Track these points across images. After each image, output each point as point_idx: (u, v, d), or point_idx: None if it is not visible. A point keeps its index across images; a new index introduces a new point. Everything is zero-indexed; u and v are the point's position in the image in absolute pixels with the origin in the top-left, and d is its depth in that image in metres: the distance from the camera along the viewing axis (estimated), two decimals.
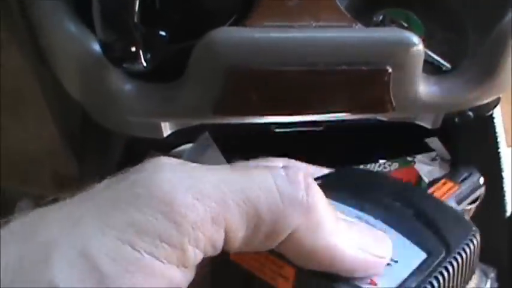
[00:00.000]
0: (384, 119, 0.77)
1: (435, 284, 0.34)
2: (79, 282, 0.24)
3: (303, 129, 0.83)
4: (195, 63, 0.56)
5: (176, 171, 0.27)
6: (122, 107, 0.59)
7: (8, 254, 0.25)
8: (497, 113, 0.99)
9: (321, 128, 0.85)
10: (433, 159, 1.20)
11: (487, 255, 1.03)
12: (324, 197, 0.31)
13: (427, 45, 0.63)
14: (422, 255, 0.36)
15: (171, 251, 0.26)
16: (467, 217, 0.51)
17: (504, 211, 1.03)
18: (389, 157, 1.24)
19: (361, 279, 0.33)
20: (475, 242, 0.41)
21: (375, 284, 0.33)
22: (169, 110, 0.59)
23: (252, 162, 0.35)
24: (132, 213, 0.26)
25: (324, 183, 0.39)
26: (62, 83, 0.61)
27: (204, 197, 0.27)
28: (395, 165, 1.23)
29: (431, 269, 0.35)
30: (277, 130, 0.84)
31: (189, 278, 0.28)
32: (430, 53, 0.66)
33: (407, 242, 0.37)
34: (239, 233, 0.28)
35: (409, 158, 1.22)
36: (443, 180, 0.54)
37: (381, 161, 1.24)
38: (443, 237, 0.38)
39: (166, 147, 1.01)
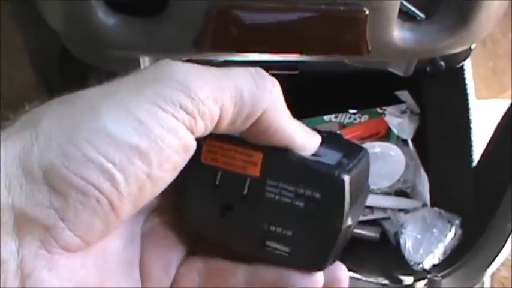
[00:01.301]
0: (359, 64, 0.79)
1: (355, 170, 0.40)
2: (124, 130, 0.31)
3: (279, 73, 0.84)
4: None
5: (185, 65, 0.34)
6: (103, 40, 0.60)
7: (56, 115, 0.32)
8: (467, 66, 1.01)
9: (296, 72, 0.87)
10: (403, 112, 1.22)
11: (452, 204, 1.07)
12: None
13: None
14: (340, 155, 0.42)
15: (187, 117, 0.33)
16: None
17: (471, 162, 1.06)
18: (360, 108, 1.26)
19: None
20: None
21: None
22: (150, 44, 0.60)
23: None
24: (159, 88, 0.33)
25: None
26: (44, 16, 0.61)
27: (208, 82, 0.34)
28: (366, 116, 1.26)
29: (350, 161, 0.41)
30: None
31: (192, 146, 0.34)
32: (405, 3, 0.68)
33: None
34: (229, 113, 0.35)
35: (379, 110, 1.25)
36: None
37: (352, 111, 1.26)
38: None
39: None
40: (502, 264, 1.80)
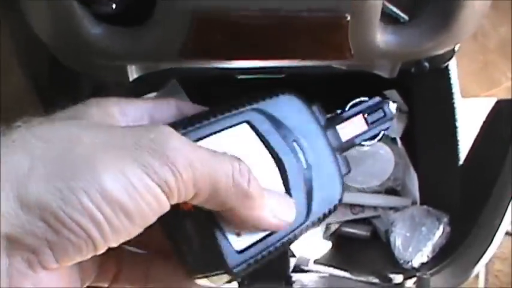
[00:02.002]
0: (343, 68, 0.80)
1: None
2: (117, 189, 0.35)
3: (265, 77, 0.85)
4: (162, 7, 0.58)
5: (180, 142, 0.38)
6: (90, 49, 0.60)
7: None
8: (452, 65, 1.02)
9: (282, 76, 0.88)
10: None
11: (440, 202, 1.09)
12: (258, 183, 0.43)
13: None
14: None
15: (169, 190, 0.37)
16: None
17: (457, 160, 1.07)
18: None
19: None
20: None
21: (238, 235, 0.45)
22: (136, 53, 0.61)
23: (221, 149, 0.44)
24: (152, 159, 0.36)
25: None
26: (31, 26, 0.62)
27: (194, 167, 0.38)
28: None
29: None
30: (240, 76, 0.86)
31: (167, 209, 0.38)
32: (388, 4, 0.69)
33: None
34: (201, 196, 0.39)
35: None
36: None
37: (339, 111, 1.27)
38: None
39: (131, 95, 1.03)
40: (497, 257, 1.82)
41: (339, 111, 0.58)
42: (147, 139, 0.37)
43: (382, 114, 0.59)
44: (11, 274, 0.34)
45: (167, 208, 0.38)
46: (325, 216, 0.51)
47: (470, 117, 1.11)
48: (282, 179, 0.47)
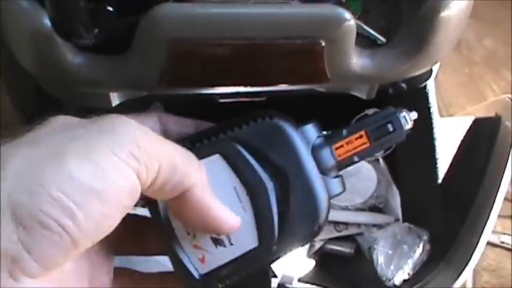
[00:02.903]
0: (322, 90, 0.81)
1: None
2: (84, 173, 0.36)
3: (246, 100, 0.86)
4: (140, 36, 0.60)
5: (135, 123, 0.41)
6: (72, 78, 0.62)
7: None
8: (430, 85, 1.04)
9: (263, 99, 0.89)
10: None
11: (420, 219, 1.10)
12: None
13: (363, 19, 0.67)
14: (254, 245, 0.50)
15: (136, 164, 0.38)
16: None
17: (436, 178, 1.08)
18: (330, 127, 1.28)
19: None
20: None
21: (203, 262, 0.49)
22: (116, 81, 0.62)
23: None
24: (114, 138, 0.38)
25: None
26: (15, 55, 0.63)
27: (152, 142, 0.40)
28: None
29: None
30: (222, 100, 0.87)
31: (138, 190, 0.40)
32: (365, 27, 0.70)
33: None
34: (163, 174, 0.41)
35: None
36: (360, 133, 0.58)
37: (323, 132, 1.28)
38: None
39: None
40: (484, 269, 1.83)
41: (341, 129, 0.59)
42: (108, 125, 0.40)
43: (391, 129, 0.57)
44: None
45: (138, 187, 0.39)
46: (306, 237, 0.52)
47: (449, 136, 1.13)
48: (252, 206, 0.49)
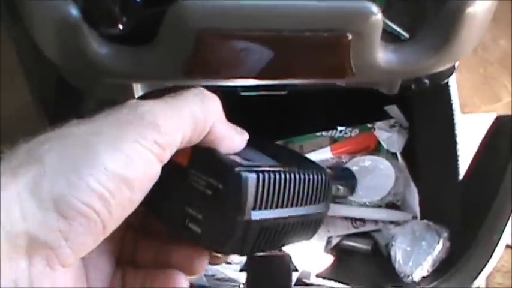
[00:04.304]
0: (343, 85, 0.81)
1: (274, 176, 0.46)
2: (117, 164, 0.38)
3: (268, 93, 0.86)
4: (167, 27, 0.60)
5: (150, 103, 0.42)
6: (97, 69, 0.62)
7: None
8: (452, 81, 1.03)
9: (284, 93, 0.89)
10: (392, 126, 1.24)
11: (440, 217, 1.09)
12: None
13: (387, 15, 0.67)
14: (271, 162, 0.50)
15: (159, 149, 0.40)
16: None
17: (457, 175, 1.07)
18: (350, 123, 1.28)
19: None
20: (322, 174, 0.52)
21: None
22: (141, 72, 0.62)
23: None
24: (136, 128, 0.40)
25: None
26: (39, 46, 0.63)
27: (170, 116, 0.42)
28: (356, 131, 1.28)
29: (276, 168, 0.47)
30: (243, 93, 0.87)
31: (158, 174, 0.41)
32: (389, 22, 0.70)
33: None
34: (187, 135, 0.43)
35: (369, 125, 1.27)
36: None
37: (341, 128, 1.28)
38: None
39: None
40: (497, 270, 1.82)
41: None
42: (125, 115, 0.41)
43: None
44: (32, 274, 0.36)
45: (159, 170, 0.41)
46: None
47: (470, 133, 1.12)
48: None
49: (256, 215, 0.44)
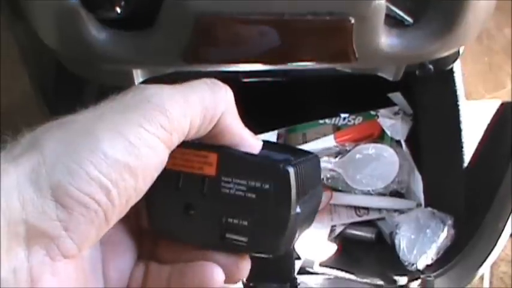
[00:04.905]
0: (347, 70, 0.80)
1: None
2: (117, 150, 0.36)
3: (269, 80, 0.85)
4: (166, 11, 0.59)
5: (157, 87, 0.40)
6: (96, 54, 0.61)
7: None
8: (456, 68, 1.02)
9: (285, 79, 0.88)
10: (396, 113, 1.24)
11: (444, 204, 1.09)
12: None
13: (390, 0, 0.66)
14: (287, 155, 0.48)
15: (165, 134, 0.38)
16: None
17: (462, 162, 1.07)
18: (353, 111, 1.27)
19: None
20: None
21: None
22: (141, 57, 0.62)
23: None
24: (141, 112, 0.38)
25: None
26: (38, 32, 0.63)
27: (178, 101, 0.40)
28: (360, 118, 1.27)
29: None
30: (245, 80, 0.86)
31: (166, 161, 0.40)
32: (393, 7, 0.69)
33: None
34: (196, 122, 0.41)
35: (372, 112, 1.26)
36: None
37: (344, 115, 1.28)
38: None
39: None
40: (502, 259, 1.82)
41: None
42: (129, 99, 0.39)
43: None
44: (31, 265, 0.35)
45: (166, 159, 0.40)
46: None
47: (474, 120, 1.11)
48: None
49: (300, 207, 0.44)
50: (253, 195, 0.43)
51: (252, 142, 0.45)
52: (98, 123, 0.38)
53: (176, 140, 0.40)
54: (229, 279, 0.45)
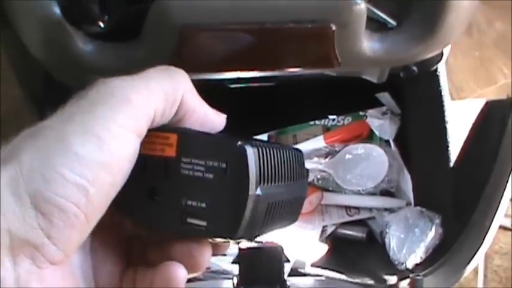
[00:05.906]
0: (332, 74, 0.81)
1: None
2: (88, 149, 0.37)
3: (256, 85, 0.86)
4: (150, 23, 0.60)
5: (119, 80, 0.42)
6: (82, 65, 0.62)
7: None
8: (441, 68, 1.03)
9: (272, 84, 0.89)
10: (384, 113, 1.24)
11: (432, 203, 1.10)
12: None
13: (373, 3, 0.67)
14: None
15: (134, 124, 0.39)
16: None
17: (448, 161, 1.08)
18: (342, 112, 1.28)
19: None
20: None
21: None
22: (126, 68, 0.62)
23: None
24: (107, 106, 0.39)
25: None
26: (25, 44, 0.64)
27: (141, 90, 0.41)
28: (349, 119, 1.29)
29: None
30: (232, 86, 0.87)
31: (138, 149, 0.41)
32: (375, 10, 0.70)
33: None
34: (160, 107, 0.42)
35: (361, 113, 1.27)
36: None
37: (333, 116, 1.29)
38: None
39: None
40: (496, 252, 1.83)
41: None
42: (94, 94, 0.40)
43: None
44: (18, 274, 0.36)
45: (138, 148, 0.41)
46: None
47: (460, 119, 1.12)
48: None
49: (263, 189, 0.42)
50: (211, 176, 0.42)
51: (215, 118, 0.47)
52: (68, 126, 0.38)
53: (145, 128, 0.41)
54: (191, 271, 0.45)
